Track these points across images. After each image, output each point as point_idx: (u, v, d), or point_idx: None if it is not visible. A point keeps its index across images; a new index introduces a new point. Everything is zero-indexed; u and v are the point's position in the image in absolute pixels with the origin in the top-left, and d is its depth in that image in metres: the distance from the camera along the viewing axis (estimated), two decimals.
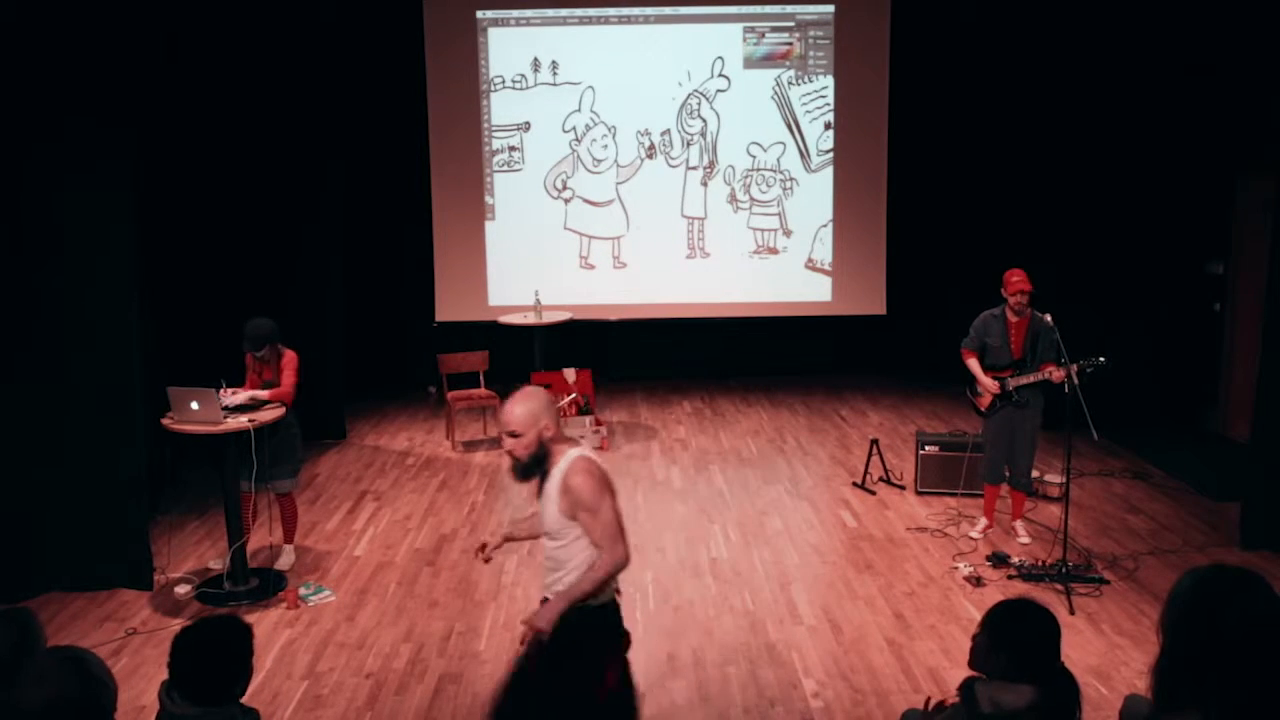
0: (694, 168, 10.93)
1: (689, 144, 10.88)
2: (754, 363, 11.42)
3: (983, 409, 6.69)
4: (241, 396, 6.12)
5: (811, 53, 10.77)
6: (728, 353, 11.41)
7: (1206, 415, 9.17)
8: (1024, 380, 6.41)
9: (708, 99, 10.80)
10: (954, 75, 10.42)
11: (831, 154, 10.87)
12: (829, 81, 10.77)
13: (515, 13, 10.67)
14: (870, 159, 10.90)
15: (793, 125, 10.85)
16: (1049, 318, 6.15)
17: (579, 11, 10.66)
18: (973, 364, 6.65)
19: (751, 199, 10.98)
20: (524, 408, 3.48)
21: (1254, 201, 8.62)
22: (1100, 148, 8.92)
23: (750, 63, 10.75)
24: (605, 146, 10.85)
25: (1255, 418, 6.69)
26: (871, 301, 11.12)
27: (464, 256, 10.98)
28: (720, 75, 10.76)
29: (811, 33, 10.74)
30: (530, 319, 9.41)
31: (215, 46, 8.41)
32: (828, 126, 10.85)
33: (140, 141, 6.59)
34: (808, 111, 10.83)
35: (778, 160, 10.92)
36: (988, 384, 6.56)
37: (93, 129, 5.92)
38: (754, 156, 10.91)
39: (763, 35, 10.73)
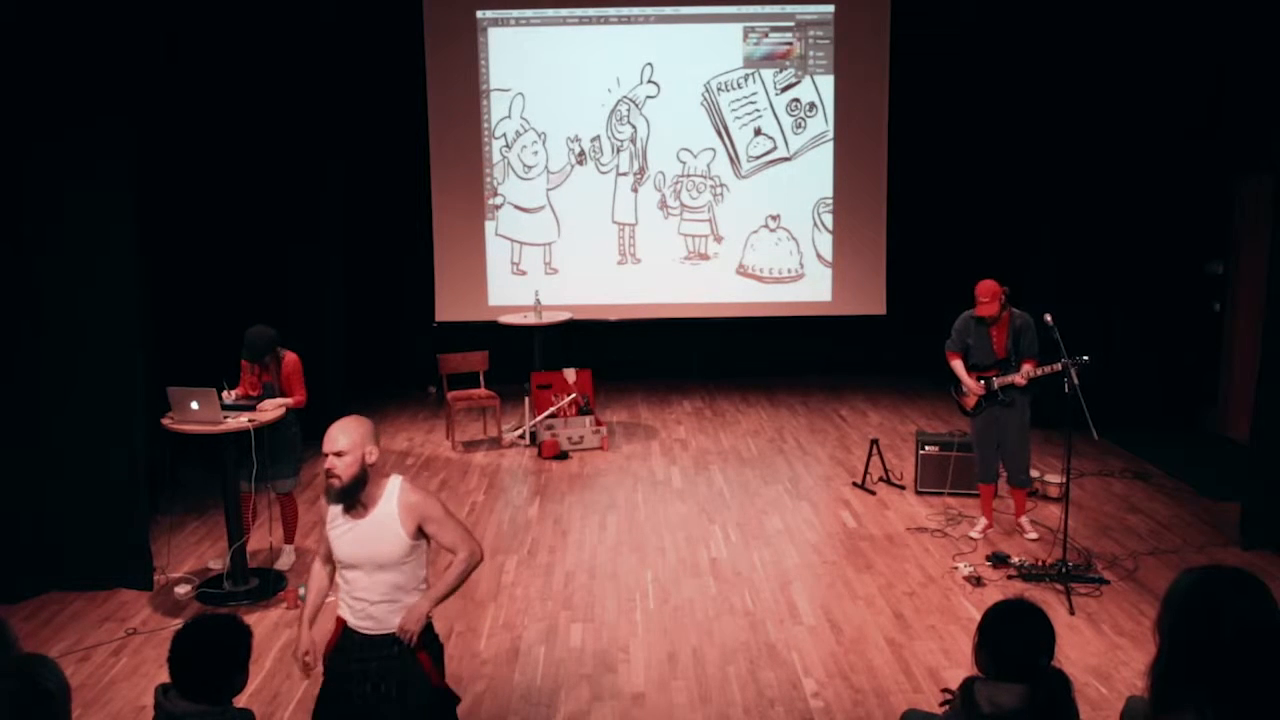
0: (624, 174, 10.92)
1: (619, 150, 10.86)
2: (754, 363, 11.42)
3: (968, 409, 6.70)
4: (270, 407, 6.11)
5: (811, 52, 10.77)
6: (727, 353, 11.41)
7: (1206, 415, 9.16)
8: (1009, 380, 6.41)
9: (637, 105, 10.78)
10: (954, 75, 10.42)
11: (764, 159, 10.84)
12: (757, 87, 10.73)
13: (515, 13, 10.67)
14: (870, 159, 10.89)
15: (722, 131, 10.84)
16: (1049, 317, 6.14)
17: (579, 11, 10.67)
18: (956, 365, 6.65)
19: (682, 205, 10.97)
20: (354, 429, 3.48)
21: (1254, 201, 8.62)
22: (1100, 147, 8.92)
23: (749, 62, 10.76)
24: (535, 153, 10.84)
25: (1255, 418, 6.69)
26: (871, 301, 11.12)
27: (464, 256, 10.99)
28: (649, 81, 10.74)
29: (811, 33, 10.74)
30: (530, 319, 9.41)
31: (215, 46, 8.41)
32: (758, 132, 10.83)
33: (140, 142, 6.59)
34: (737, 118, 10.82)
35: (708, 166, 10.91)
36: (971, 385, 6.57)
37: (92, 129, 5.92)
38: (684, 163, 10.90)
39: (764, 35, 10.73)
